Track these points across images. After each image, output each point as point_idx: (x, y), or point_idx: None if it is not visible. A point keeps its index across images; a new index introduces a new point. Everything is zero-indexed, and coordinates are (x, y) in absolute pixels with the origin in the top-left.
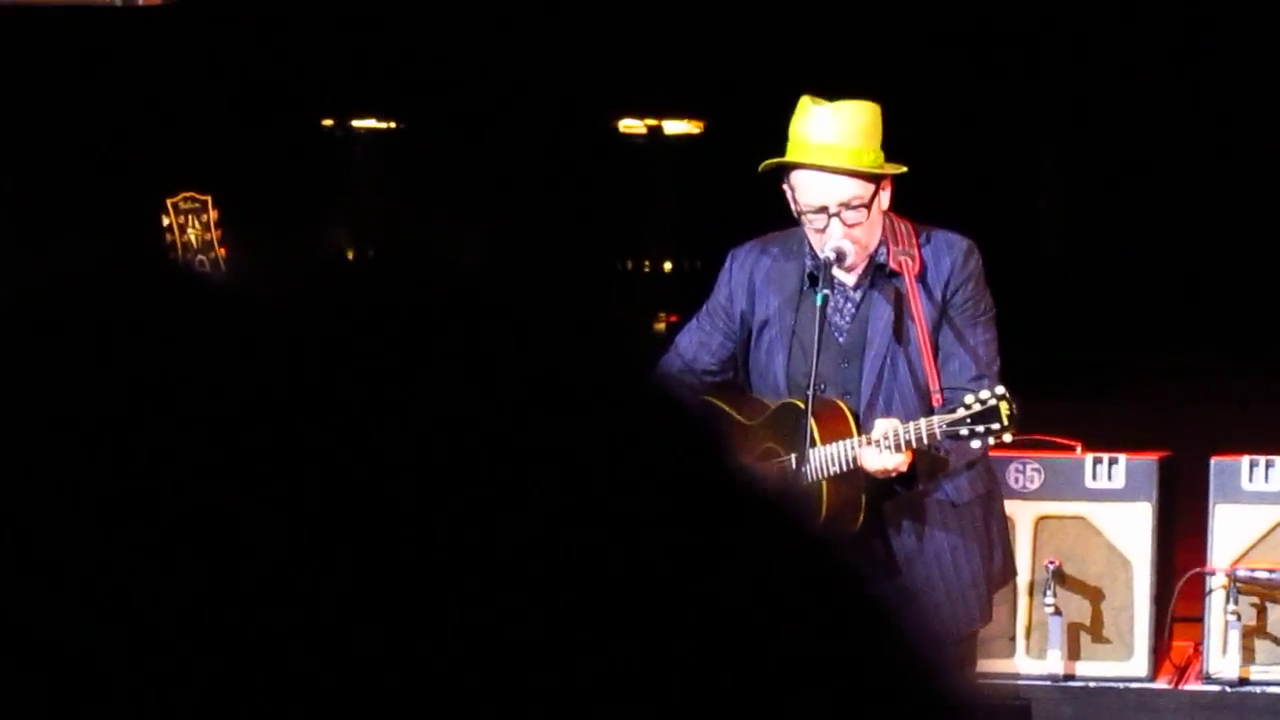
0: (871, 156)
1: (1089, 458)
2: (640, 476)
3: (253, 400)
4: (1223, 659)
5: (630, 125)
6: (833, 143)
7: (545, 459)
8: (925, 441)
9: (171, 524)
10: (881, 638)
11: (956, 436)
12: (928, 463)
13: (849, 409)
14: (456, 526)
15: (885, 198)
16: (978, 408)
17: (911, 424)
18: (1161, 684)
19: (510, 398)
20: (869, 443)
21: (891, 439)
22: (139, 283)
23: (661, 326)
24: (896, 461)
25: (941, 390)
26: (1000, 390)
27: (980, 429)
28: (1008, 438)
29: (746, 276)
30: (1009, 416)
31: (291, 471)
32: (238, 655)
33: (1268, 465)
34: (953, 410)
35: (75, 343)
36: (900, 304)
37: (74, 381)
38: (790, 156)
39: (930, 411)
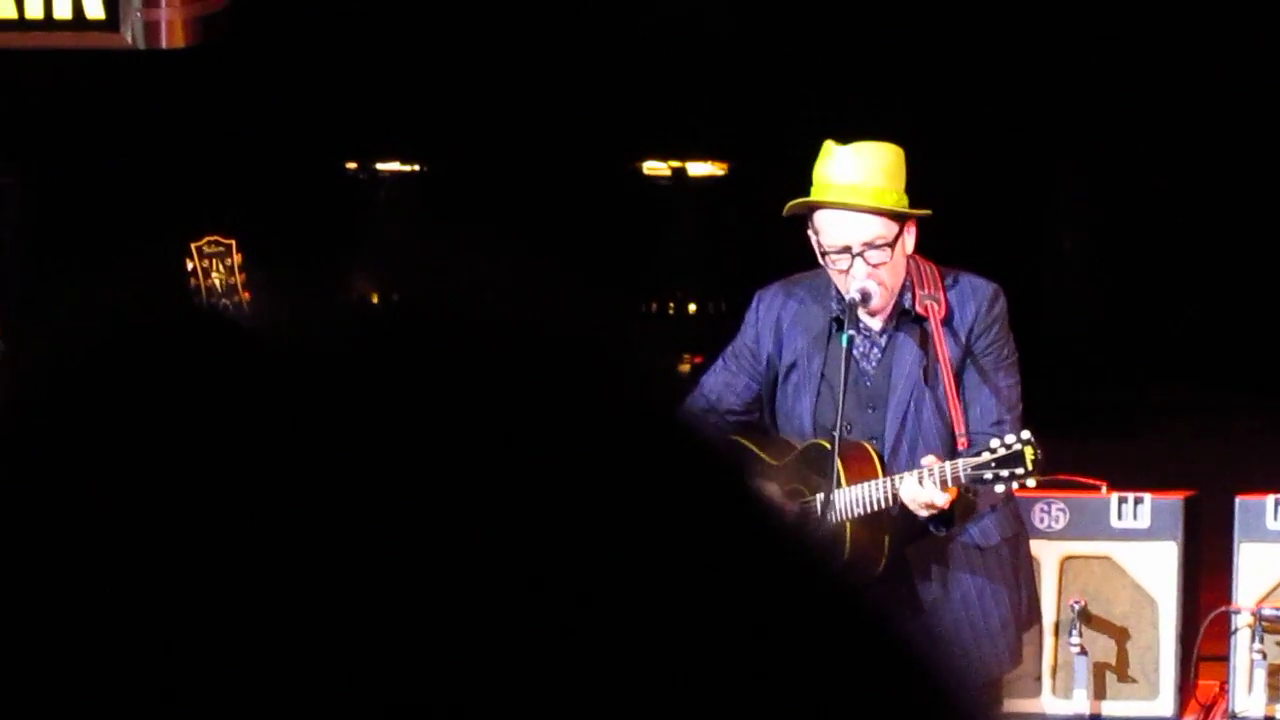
0: (895, 197)
1: (1114, 497)
2: (667, 513)
3: (283, 434)
4: (1248, 697)
5: (654, 167)
6: (856, 182)
7: (573, 495)
8: (949, 484)
9: (200, 549)
10: (906, 677)
11: (980, 480)
12: (961, 506)
13: (875, 451)
14: (477, 560)
15: (910, 241)
16: (1002, 452)
17: (937, 466)
18: None
19: (537, 436)
20: (917, 477)
21: (932, 475)
22: (174, 328)
23: (686, 368)
24: (941, 499)
25: (967, 433)
26: (1025, 435)
27: (1004, 473)
28: (1031, 483)
29: (773, 318)
30: (1033, 461)
31: (320, 506)
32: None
33: None
34: (978, 454)
35: (118, 384)
36: (926, 348)
37: (113, 420)
38: (814, 197)
39: (955, 455)
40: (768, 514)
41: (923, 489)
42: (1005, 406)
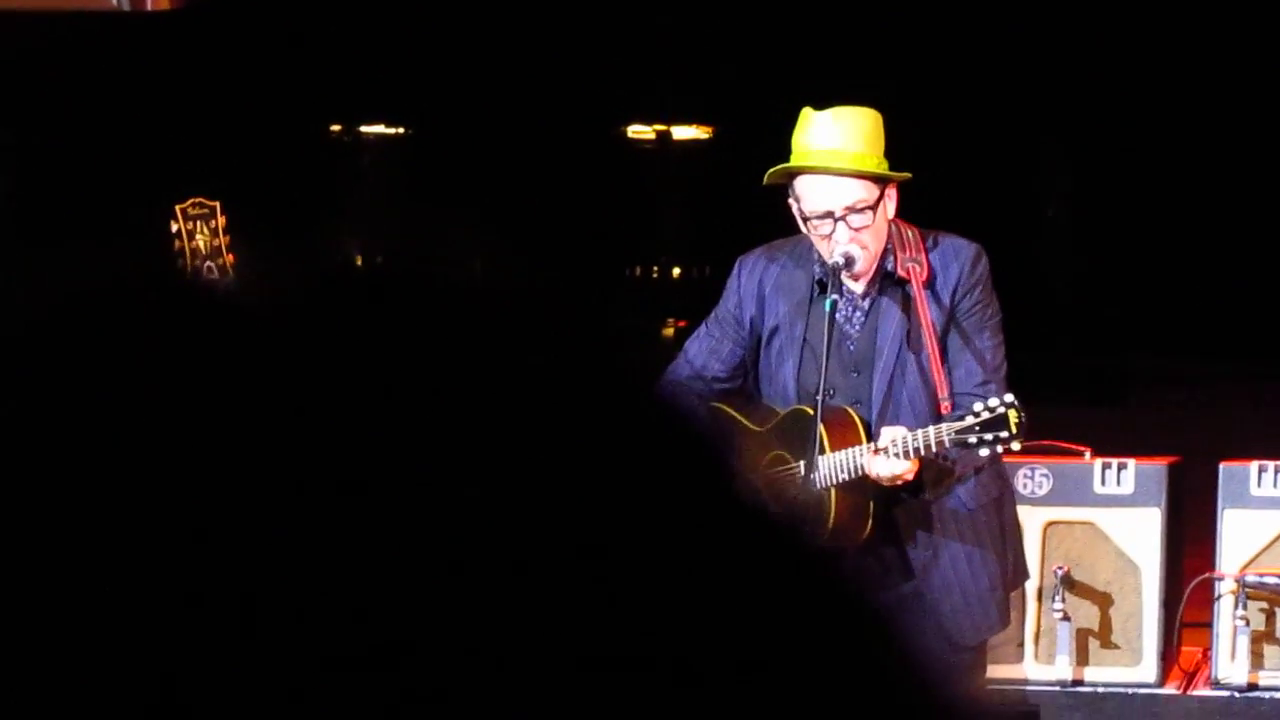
0: (875, 160)
1: (1098, 463)
2: (644, 483)
3: (262, 407)
4: (1231, 665)
5: (639, 131)
6: (836, 147)
7: (551, 464)
8: (934, 449)
9: (180, 524)
10: (885, 645)
11: (965, 445)
12: (935, 471)
13: (859, 417)
14: (455, 532)
15: (891, 206)
16: (986, 416)
17: (920, 431)
18: (1170, 690)
19: (519, 401)
20: (876, 451)
21: (900, 446)
22: (151, 295)
23: (670, 333)
24: (904, 468)
25: (950, 397)
26: (1009, 398)
27: (989, 437)
28: (1016, 446)
29: (756, 283)
30: (1017, 424)
31: (300, 478)
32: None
33: (1276, 471)
34: (961, 418)
35: (92, 355)
36: (909, 312)
37: (92, 391)
38: (794, 164)
39: (940, 419)
40: (746, 485)
41: (887, 463)
42: (990, 368)
